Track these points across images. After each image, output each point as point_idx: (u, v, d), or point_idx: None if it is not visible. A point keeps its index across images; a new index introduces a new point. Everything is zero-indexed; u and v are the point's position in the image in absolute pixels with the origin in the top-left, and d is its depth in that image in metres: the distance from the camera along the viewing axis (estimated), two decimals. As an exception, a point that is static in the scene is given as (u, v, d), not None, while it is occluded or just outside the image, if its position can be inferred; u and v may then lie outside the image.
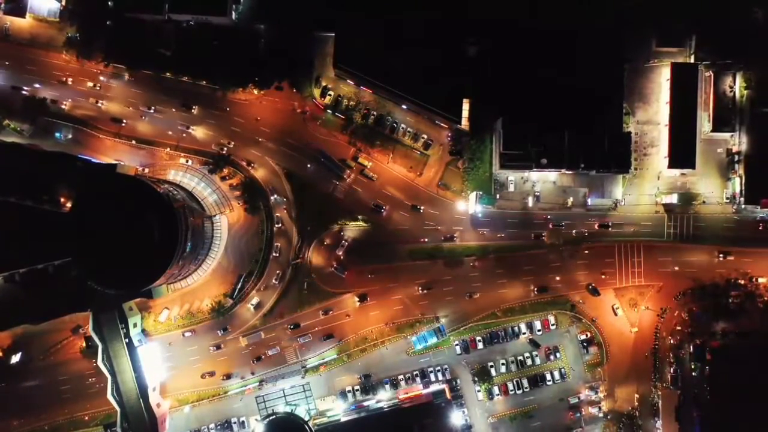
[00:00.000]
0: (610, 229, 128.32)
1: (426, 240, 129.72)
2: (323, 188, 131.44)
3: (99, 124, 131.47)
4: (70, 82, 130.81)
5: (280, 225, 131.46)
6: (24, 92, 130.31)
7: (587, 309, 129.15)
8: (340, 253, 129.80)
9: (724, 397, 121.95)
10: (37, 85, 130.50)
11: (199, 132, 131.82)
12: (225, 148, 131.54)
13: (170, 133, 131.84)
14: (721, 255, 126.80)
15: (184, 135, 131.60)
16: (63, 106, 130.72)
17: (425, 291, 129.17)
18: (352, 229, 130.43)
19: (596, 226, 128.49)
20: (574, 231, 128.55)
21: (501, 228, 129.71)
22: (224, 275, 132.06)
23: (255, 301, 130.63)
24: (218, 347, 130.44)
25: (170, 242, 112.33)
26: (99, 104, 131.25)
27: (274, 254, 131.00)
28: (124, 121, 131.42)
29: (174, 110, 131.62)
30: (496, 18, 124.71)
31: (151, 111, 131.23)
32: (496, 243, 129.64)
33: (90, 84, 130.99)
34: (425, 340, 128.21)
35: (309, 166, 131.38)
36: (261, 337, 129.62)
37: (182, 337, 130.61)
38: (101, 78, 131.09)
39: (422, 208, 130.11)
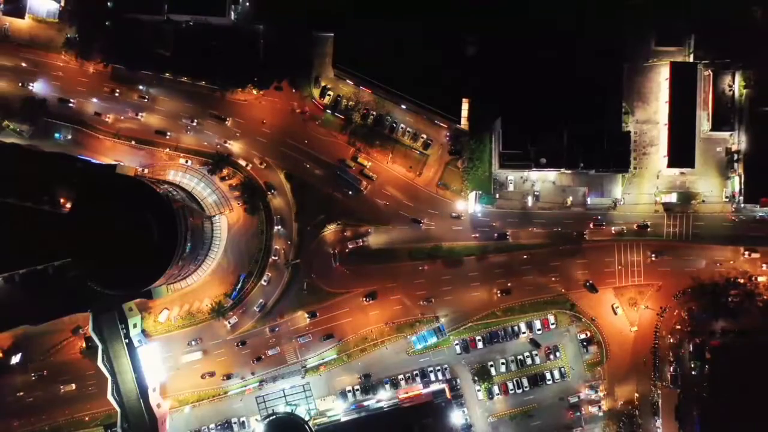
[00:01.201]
0: (648, 229, 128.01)
1: (477, 236, 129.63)
2: (323, 188, 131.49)
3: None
4: (117, 94, 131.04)
5: (279, 227, 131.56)
6: (71, 104, 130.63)
7: (587, 308, 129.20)
8: (352, 246, 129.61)
9: (724, 396, 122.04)
10: (82, 99, 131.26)
11: (235, 147, 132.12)
12: (228, 143, 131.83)
13: (206, 143, 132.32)
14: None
15: (219, 147, 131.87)
16: (107, 119, 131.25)
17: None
18: (377, 233, 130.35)
19: (635, 227, 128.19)
20: (613, 229, 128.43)
21: (500, 227, 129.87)
22: (224, 275, 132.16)
23: (234, 320, 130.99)
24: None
25: (170, 243, 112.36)
26: (139, 116, 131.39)
27: (273, 257, 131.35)
28: (169, 133, 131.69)
29: (211, 122, 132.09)
30: (495, 17, 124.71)
31: (194, 123, 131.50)
32: (495, 243, 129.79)
33: (136, 96, 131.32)
34: (425, 340, 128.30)
35: (307, 165, 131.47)
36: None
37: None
38: (142, 88, 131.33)
39: (423, 221, 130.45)
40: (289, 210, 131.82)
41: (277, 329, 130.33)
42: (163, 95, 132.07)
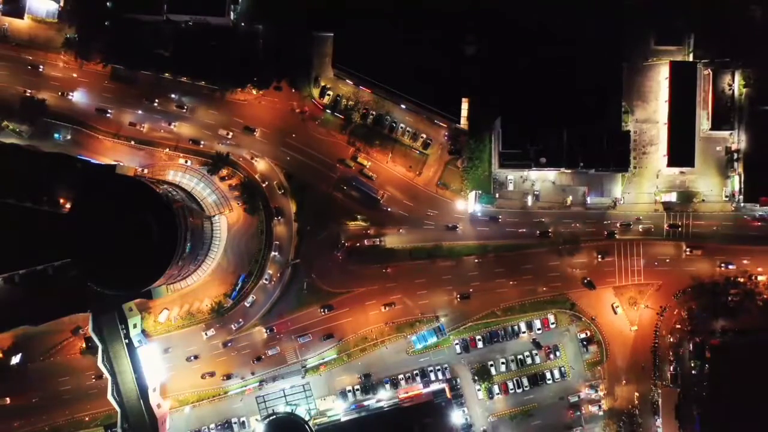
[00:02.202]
0: (679, 229, 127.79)
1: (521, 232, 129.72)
2: (323, 188, 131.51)
3: (99, 126, 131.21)
4: (156, 104, 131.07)
5: (279, 224, 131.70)
6: (108, 114, 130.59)
7: (587, 307, 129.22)
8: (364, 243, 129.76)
9: (724, 395, 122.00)
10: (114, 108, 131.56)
11: (261, 165, 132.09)
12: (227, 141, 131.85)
13: (241, 158, 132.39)
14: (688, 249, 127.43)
15: (255, 161, 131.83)
16: (141, 129, 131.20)
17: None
18: (391, 239, 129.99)
19: (666, 227, 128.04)
20: (640, 227, 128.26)
21: (500, 227, 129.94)
22: (224, 275, 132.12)
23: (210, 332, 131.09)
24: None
25: (169, 243, 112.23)
26: (172, 126, 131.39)
27: (273, 253, 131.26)
28: (202, 142, 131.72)
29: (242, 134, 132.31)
30: (495, 17, 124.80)
31: (229, 137, 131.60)
32: (495, 242, 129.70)
33: (175, 107, 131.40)
34: (425, 340, 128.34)
35: (308, 164, 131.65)
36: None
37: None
38: (174, 96, 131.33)
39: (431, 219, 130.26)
40: (288, 210, 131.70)
41: (273, 329, 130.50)
42: (202, 106, 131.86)
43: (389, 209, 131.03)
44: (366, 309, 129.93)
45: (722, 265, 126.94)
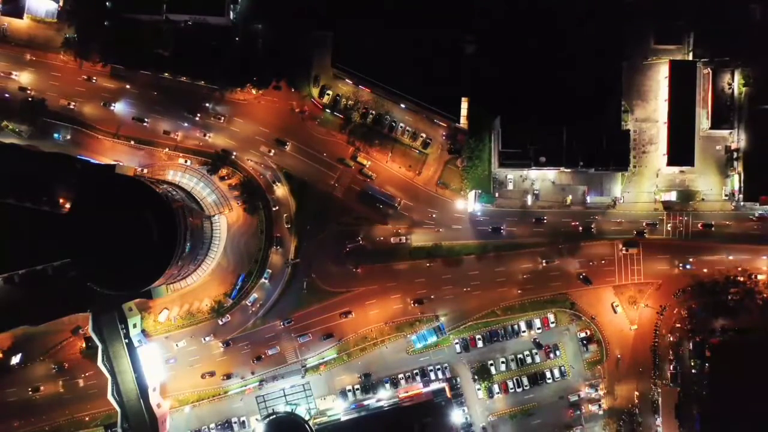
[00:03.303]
0: (713, 229, 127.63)
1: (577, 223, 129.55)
2: (322, 188, 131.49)
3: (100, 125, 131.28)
4: (198, 117, 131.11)
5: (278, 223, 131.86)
6: (145, 124, 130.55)
7: (587, 306, 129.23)
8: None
9: (724, 394, 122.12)
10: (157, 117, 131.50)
11: (280, 191, 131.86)
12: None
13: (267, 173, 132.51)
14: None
15: (276, 187, 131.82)
16: (175, 137, 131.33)
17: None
18: (418, 236, 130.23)
19: (700, 226, 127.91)
20: (699, 222, 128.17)
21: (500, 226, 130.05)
22: (224, 275, 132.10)
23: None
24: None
25: (169, 242, 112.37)
26: (207, 137, 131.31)
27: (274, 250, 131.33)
28: (234, 153, 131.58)
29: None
30: (494, 16, 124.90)
31: (271, 154, 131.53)
32: (495, 241, 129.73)
33: (220, 119, 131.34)
34: (425, 339, 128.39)
35: (308, 164, 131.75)
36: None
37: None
38: (208, 105, 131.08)
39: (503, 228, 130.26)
40: (288, 209, 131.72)
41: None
42: (241, 117, 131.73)
43: (402, 212, 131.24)
44: (366, 308, 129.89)
45: (680, 265, 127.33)
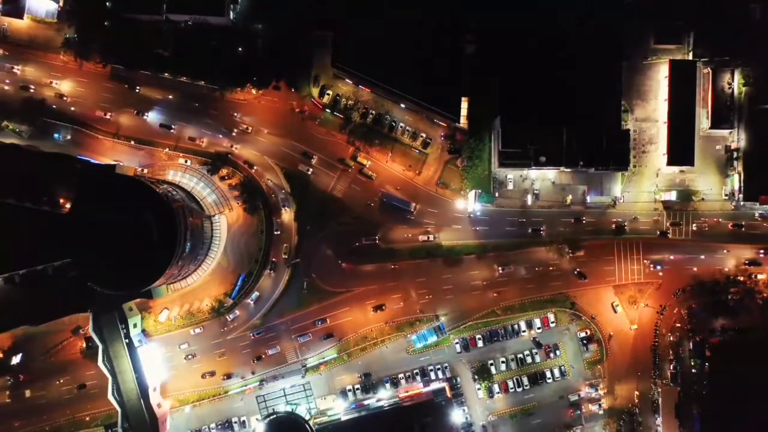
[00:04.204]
0: (743, 229, 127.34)
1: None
2: (323, 188, 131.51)
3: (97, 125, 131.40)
4: (235, 134, 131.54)
5: (278, 224, 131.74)
6: (172, 131, 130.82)
7: (587, 306, 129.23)
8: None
9: (724, 394, 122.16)
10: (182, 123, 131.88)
11: (286, 216, 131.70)
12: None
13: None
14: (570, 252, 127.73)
15: (284, 211, 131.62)
16: (201, 143, 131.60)
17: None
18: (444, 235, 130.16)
19: (730, 227, 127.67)
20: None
21: (500, 226, 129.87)
22: (224, 275, 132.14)
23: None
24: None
25: (169, 242, 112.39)
26: (234, 148, 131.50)
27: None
28: (255, 167, 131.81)
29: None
30: (494, 16, 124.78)
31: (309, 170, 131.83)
32: (495, 241, 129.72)
33: (246, 127, 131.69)
34: (425, 339, 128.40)
35: (308, 163, 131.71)
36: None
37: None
38: (236, 115, 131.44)
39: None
40: (288, 209, 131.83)
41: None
42: (271, 132, 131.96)
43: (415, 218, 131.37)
44: (366, 308, 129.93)
45: (652, 265, 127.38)
